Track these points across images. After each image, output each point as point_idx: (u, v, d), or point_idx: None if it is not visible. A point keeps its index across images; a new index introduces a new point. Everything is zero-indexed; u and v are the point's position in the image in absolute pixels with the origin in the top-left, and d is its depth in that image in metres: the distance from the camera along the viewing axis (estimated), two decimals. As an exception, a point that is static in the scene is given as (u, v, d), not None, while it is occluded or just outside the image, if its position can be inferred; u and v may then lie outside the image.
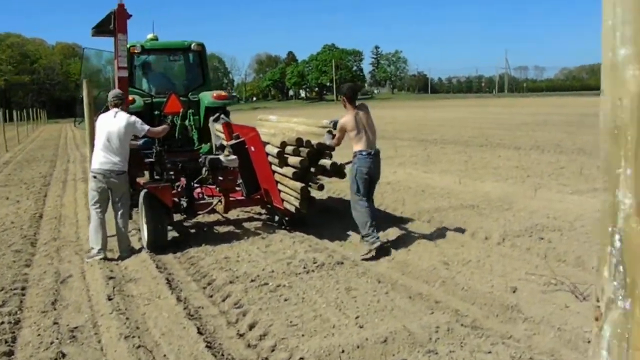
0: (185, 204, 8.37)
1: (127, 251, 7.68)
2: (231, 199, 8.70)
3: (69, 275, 6.88)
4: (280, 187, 8.03)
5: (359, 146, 7.14)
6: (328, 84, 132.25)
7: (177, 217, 9.04)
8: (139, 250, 7.77)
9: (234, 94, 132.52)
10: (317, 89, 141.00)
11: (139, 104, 10.72)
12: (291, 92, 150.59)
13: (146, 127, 7.84)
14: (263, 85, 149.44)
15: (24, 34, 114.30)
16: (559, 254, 6.60)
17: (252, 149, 8.28)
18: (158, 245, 7.74)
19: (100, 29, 8.42)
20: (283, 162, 7.78)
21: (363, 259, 6.94)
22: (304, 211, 7.85)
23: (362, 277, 6.15)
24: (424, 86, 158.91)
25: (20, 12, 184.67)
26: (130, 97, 10.42)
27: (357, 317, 4.99)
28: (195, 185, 8.72)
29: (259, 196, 8.64)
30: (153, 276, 6.56)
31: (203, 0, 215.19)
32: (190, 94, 11.61)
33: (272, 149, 7.92)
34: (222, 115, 10.75)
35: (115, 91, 7.93)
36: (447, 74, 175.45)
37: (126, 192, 7.75)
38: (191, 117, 11.28)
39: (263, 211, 9.82)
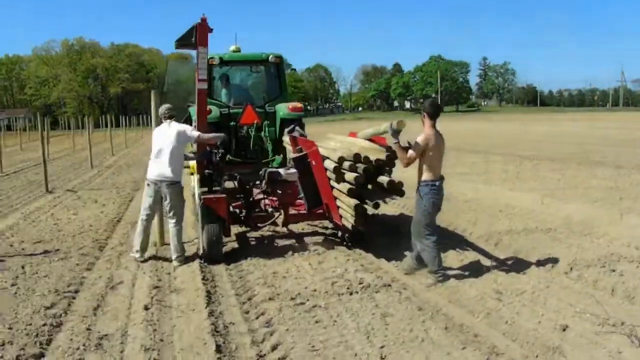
0: (243, 216, 8.38)
1: (181, 261, 7.75)
2: (292, 212, 8.63)
3: (120, 281, 7.03)
4: (338, 202, 7.81)
5: (430, 175, 6.60)
6: (433, 95, 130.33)
7: (241, 228, 9.12)
8: (194, 260, 7.82)
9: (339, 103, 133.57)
10: (421, 100, 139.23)
11: (215, 114, 10.87)
12: (396, 103, 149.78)
13: (196, 133, 7.99)
14: (368, 96, 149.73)
15: (141, 44, 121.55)
16: (627, 289, 5.96)
17: (313, 163, 8.13)
18: (213, 256, 7.81)
19: (183, 42, 8.62)
20: (340, 178, 7.47)
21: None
22: (361, 228, 7.61)
23: (404, 303, 5.83)
24: (533, 99, 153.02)
25: (139, 24, 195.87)
26: (207, 108, 10.88)
27: (382, 347, 4.71)
28: (260, 197, 8.72)
29: (320, 211, 8.42)
30: (196, 287, 6.55)
31: (310, 11, 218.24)
32: (267, 105, 11.64)
33: (329, 164, 7.71)
34: (297, 128, 10.99)
35: (166, 105, 8.23)
36: (558, 87, 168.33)
37: (179, 203, 7.93)
38: (267, 129, 11.32)
39: (330, 225, 9.63)
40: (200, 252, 7.99)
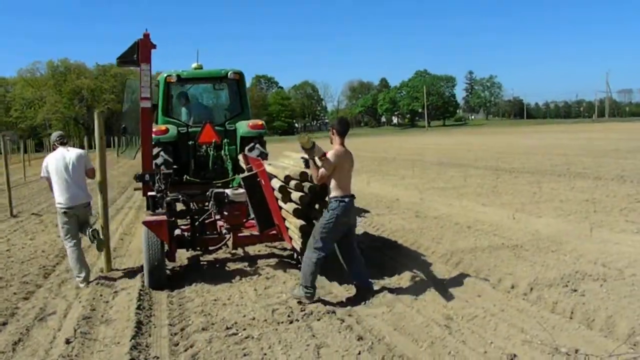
0: (189, 239, 7.98)
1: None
2: (244, 234, 8.18)
3: (53, 312, 6.57)
4: (286, 223, 7.34)
5: (339, 191, 6.37)
6: (419, 110, 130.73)
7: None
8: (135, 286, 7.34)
9: (326, 120, 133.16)
10: (408, 115, 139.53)
11: (172, 133, 10.63)
12: (383, 119, 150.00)
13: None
14: (355, 112, 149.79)
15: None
16: (587, 311, 5.52)
17: (262, 182, 7.66)
18: (154, 282, 7.34)
19: (125, 59, 8.35)
20: (286, 198, 7.05)
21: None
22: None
23: (344, 332, 5.36)
24: (519, 111, 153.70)
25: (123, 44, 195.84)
26: (163, 127, 10.70)
27: (307, 384, 4.23)
28: (209, 219, 8.28)
29: (273, 232, 7.94)
30: (128, 318, 6.09)
31: (296, 28, 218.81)
32: (227, 123, 11.32)
33: (276, 183, 7.26)
34: (257, 145, 10.63)
35: (57, 132, 8.34)
36: (545, 99, 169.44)
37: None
38: (227, 147, 10.94)
39: (288, 247, 9.16)
40: (144, 277, 7.50)
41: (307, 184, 6.86)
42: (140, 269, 8.21)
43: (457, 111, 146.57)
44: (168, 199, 7.95)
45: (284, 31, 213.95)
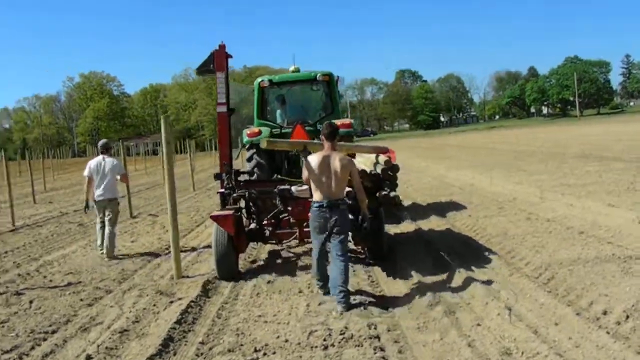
0: (255, 232, 8.45)
1: (109, 256, 9.94)
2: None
3: (100, 322, 6.48)
4: None
5: (313, 196, 6.63)
6: (571, 98, 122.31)
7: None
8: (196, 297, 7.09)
9: (369, 129, 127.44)
10: (559, 104, 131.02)
11: (265, 134, 11.05)
12: (532, 109, 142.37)
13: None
14: (502, 103, 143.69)
15: (273, 65, 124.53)
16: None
17: None
18: (222, 273, 7.95)
19: (203, 68, 9.40)
20: None
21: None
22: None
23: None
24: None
25: (269, 46, 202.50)
26: (257, 129, 11.28)
27: None
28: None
29: None
30: (160, 334, 5.74)
31: (437, 21, 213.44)
32: (317, 123, 11.52)
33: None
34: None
35: (103, 140, 10.80)
36: None
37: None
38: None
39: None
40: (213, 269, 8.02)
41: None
42: (210, 276, 8.04)
43: (614, 98, 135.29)
44: (235, 195, 8.46)
45: (427, 25, 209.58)
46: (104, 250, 10.08)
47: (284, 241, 8.77)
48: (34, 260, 10.51)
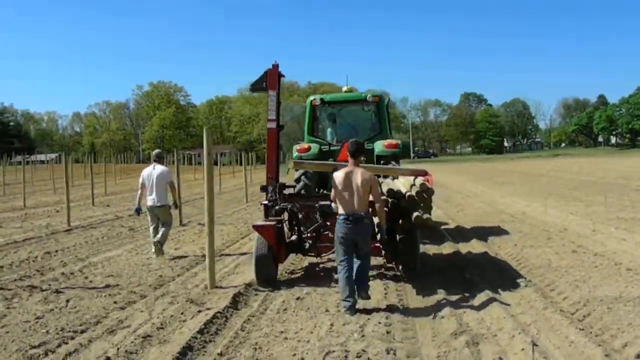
0: (295, 243, 8.83)
1: (159, 248, 10.83)
2: None
3: (127, 325, 6.58)
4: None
5: (340, 209, 7.04)
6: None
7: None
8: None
9: (430, 150, 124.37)
10: (628, 135, 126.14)
11: (314, 151, 11.67)
12: (600, 138, 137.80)
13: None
14: (569, 131, 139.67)
15: (339, 83, 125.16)
16: None
17: None
18: (262, 279, 8.32)
19: (257, 86, 9.79)
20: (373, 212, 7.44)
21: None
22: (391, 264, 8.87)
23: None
24: None
25: (335, 65, 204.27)
26: (306, 145, 11.77)
27: None
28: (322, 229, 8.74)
29: (376, 244, 8.09)
30: (181, 342, 5.78)
31: (503, 41, 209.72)
32: (366, 142, 11.56)
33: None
34: (393, 163, 11.08)
35: (157, 151, 11.93)
36: None
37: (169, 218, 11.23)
38: None
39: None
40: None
41: (390, 200, 7.82)
42: (242, 288, 8.11)
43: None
44: (277, 207, 8.83)
45: (493, 46, 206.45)
46: (155, 249, 10.86)
47: (323, 254, 8.96)
48: (80, 260, 10.83)
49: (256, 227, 8.51)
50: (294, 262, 10.17)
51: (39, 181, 42.29)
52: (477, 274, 8.63)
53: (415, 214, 7.52)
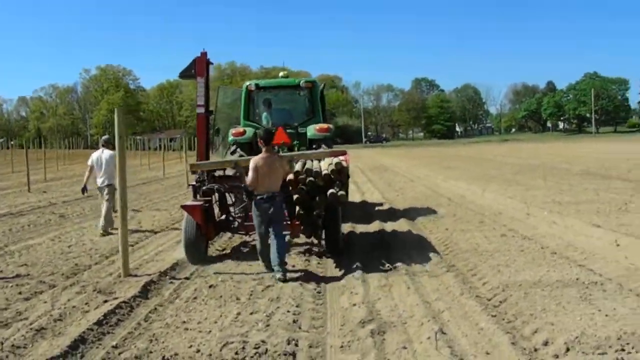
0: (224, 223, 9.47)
1: (104, 231, 11.54)
2: None
3: (24, 318, 6.10)
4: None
5: (257, 190, 7.80)
6: (588, 115, 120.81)
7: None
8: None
9: (382, 135, 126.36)
10: (575, 120, 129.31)
11: (248, 135, 11.88)
12: (549, 124, 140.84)
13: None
14: (518, 116, 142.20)
15: (292, 67, 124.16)
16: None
17: None
18: (191, 258, 8.64)
19: (186, 73, 10.57)
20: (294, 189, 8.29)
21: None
22: (316, 238, 9.11)
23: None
24: None
25: (288, 48, 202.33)
26: (241, 129, 12.09)
27: None
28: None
29: (297, 222, 8.69)
30: (74, 335, 5.38)
31: (457, 30, 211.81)
32: (299, 127, 12.29)
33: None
34: (323, 146, 11.29)
35: (105, 137, 12.49)
36: None
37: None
38: (296, 148, 11.93)
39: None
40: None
41: (306, 178, 8.21)
42: (156, 276, 7.79)
43: (631, 117, 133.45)
44: (204, 188, 9.11)
45: (444, 32, 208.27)
46: (100, 225, 11.67)
47: (251, 233, 9.21)
48: (-3, 249, 10.25)
49: (185, 207, 8.88)
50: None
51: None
52: (399, 258, 8.47)
53: (331, 190, 8.06)
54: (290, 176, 8.22)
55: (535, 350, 4.79)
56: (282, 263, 7.60)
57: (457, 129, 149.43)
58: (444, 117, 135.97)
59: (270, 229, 7.81)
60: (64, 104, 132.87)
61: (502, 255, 8.38)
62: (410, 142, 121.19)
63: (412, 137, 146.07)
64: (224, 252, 9.74)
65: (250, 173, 7.77)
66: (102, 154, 11.84)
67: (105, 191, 11.78)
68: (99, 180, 11.87)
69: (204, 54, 10.21)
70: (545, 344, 4.88)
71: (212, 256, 9.28)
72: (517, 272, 7.30)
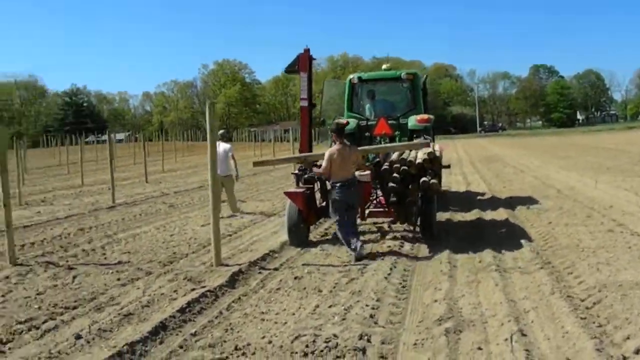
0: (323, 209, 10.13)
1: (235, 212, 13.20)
2: (371, 209, 10.03)
3: (116, 302, 6.47)
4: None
5: (333, 178, 8.56)
6: None
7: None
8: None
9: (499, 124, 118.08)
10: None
11: (352, 125, 12.09)
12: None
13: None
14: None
15: (404, 57, 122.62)
16: None
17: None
18: (293, 240, 9.41)
19: (290, 69, 11.07)
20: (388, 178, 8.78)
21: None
22: (410, 225, 9.85)
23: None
24: None
25: (401, 39, 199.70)
26: (345, 120, 11.98)
27: None
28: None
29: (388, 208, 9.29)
30: (156, 321, 5.62)
31: (574, 13, 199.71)
32: (400, 118, 12.52)
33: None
34: (424, 136, 11.49)
35: (221, 131, 13.59)
36: None
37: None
38: (398, 139, 12.27)
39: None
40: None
41: (400, 167, 8.66)
42: (245, 266, 7.98)
43: None
44: (306, 176, 9.91)
45: (563, 17, 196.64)
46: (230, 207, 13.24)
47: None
48: (107, 237, 10.96)
49: (287, 193, 9.69)
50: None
51: (104, 160, 43.58)
52: (491, 252, 8.17)
53: (423, 179, 8.46)
54: (386, 165, 8.77)
55: (625, 358, 4.42)
56: (358, 240, 8.31)
57: (578, 116, 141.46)
58: (564, 105, 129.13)
59: (347, 212, 8.50)
60: (185, 98, 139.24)
61: (606, 252, 7.83)
62: (526, 132, 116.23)
63: (529, 125, 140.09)
64: (324, 237, 10.28)
65: (324, 163, 8.52)
66: (218, 148, 12.06)
67: (224, 183, 12.80)
68: (218, 171, 12.35)
69: (307, 51, 10.76)
70: (637, 352, 4.49)
71: (313, 240, 9.91)
72: (618, 271, 6.77)
